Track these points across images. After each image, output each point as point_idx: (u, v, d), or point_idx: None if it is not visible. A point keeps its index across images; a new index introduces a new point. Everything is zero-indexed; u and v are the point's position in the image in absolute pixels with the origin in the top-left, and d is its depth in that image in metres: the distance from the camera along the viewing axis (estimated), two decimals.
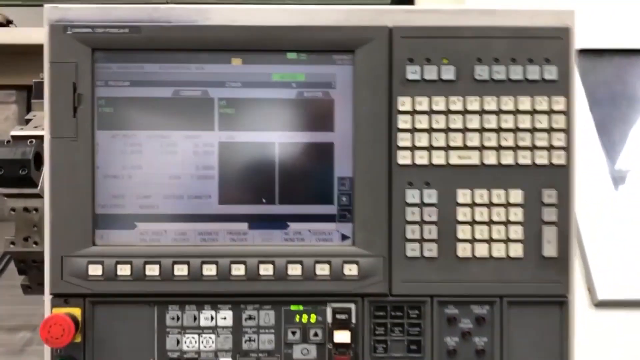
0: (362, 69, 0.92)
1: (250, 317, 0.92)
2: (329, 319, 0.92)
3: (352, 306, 0.92)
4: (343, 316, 0.92)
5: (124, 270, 0.90)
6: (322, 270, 0.91)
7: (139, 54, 0.92)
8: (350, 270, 0.91)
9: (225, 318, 0.92)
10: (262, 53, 0.92)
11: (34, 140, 1.93)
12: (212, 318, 0.92)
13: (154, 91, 0.92)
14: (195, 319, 0.92)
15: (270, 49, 0.92)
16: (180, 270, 0.90)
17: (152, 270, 0.90)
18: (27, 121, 2.02)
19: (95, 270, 0.90)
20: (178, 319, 0.92)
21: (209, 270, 0.90)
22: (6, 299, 2.38)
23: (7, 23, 2.58)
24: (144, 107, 0.93)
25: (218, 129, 0.93)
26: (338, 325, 0.91)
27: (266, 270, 0.91)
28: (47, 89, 0.93)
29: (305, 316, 0.93)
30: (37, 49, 2.70)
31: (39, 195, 1.89)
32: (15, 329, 2.18)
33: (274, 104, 0.93)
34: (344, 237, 0.93)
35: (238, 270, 0.91)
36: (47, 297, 0.94)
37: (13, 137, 1.92)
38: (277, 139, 0.93)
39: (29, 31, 2.55)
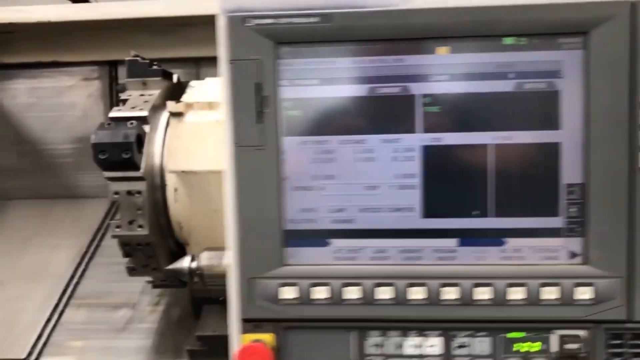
0: (596, 54, 0.83)
1: (462, 345, 0.88)
2: (555, 347, 0.87)
3: (584, 334, 0.86)
4: (573, 345, 0.86)
5: (320, 293, 0.87)
6: (549, 293, 0.85)
7: (330, 46, 0.86)
8: (584, 293, 0.84)
9: (433, 346, 0.88)
10: (472, 39, 0.85)
11: (134, 122, 1.97)
12: (418, 345, 0.89)
13: (347, 89, 0.87)
14: (399, 346, 0.89)
15: (482, 35, 0.85)
16: (383, 293, 0.86)
17: (352, 293, 0.86)
18: (123, 101, 2.06)
19: (288, 293, 0.87)
20: (379, 346, 0.89)
21: (416, 293, 0.86)
22: (103, 277, 2.49)
23: None
24: (336, 108, 0.87)
25: (421, 131, 0.87)
26: (566, 355, 0.86)
27: (482, 294, 0.85)
28: (226, 90, 0.86)
29: (525, 344, 0.88)
30: (116, 24, 2.72)
31: (142, 178, 1.95)
32: (116, 307, 2.28)
33: (488, 98, 0.86)
34: (572, 255, 0.87)
35: (449, 293, 0.86)
36: (235, 321, 0.96)
37: (111, 118, 1.97)
38: (492, 140, 0.86)
39: (108, 6, 2.60)
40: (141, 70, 2.05)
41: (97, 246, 2.58)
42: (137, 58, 2.10)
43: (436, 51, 0.87)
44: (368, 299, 0.88)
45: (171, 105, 1.95)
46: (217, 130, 1.91)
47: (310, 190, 0.90)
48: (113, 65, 2.84)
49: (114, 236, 1.93)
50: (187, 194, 1.90)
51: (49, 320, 2.27)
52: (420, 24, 0.85)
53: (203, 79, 2.41)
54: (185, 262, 1.82)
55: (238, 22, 0.87)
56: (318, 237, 0.90)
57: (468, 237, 0.88)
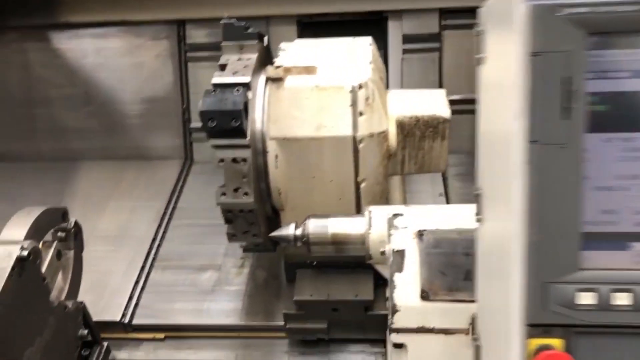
0: None
1: None
2: None
3: None
4: None
5: (621, 299, 0.81)
6: None
7: None
8: None
9: None
10: None
11: (240, 89, 1.85)
12: None
13: None
14: None
15: None
16: None
17: None
18: (222, 66, 1.92)
19: (585, 298, 0.81)
20: None
21: None
22: (184, 239, 2.41)
23: None
24: None
25: None
26: None
27: None
28: (526, 85, 0.75)
29: None
30: None
31: (247, 146, 1.83)
32: (201, 269, 2.22)
33: None
34: None
35: None
36: (519, 326, 0.87)
37: (215, 85, 1.84)
38: None
39: None
40: (237, 34, 1.91)
41: (174, 208, 2.50)
42: (232, 21, 1.96)
43: None
44: None
45: (271, 71, 1.82)
46: (316, 96, 1.79)
47: (612, 191, 0.79)
48: (181, 24, 2.68)
49: (218, 204, 1.83)
50: (286, 161, 1.80)
51: (137, 282, 2.20)
52: None
53: (273, 38, 2.26)
54: (290, 229, 1.74)
55: (546, 11, 0.75)
56: (618, 240, 0.81)
57: None
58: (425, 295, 1.52)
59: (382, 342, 1.93)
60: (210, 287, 2.18)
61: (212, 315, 2.08)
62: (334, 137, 1.72)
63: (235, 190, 1.80)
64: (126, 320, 2.03)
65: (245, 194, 1.79)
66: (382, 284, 1.98)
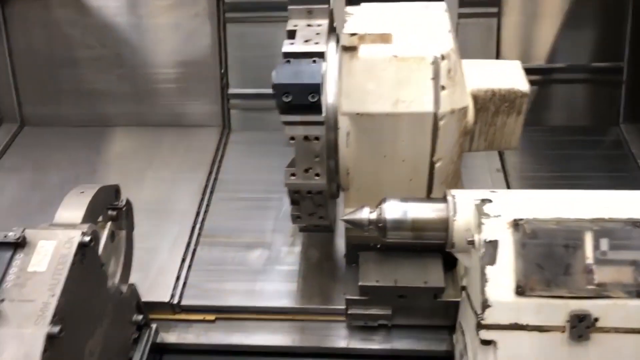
0: None
1: None
2: None
3: None
4: None
5: None
6: None
7: None
8: None
9: None
10: None
11: (316, 59, 1.65)
12: None
13: None
14: None
15: None
16: None
17: None
18: (291, 33, 1.72)
19: None
20: None
21: None
22: (228, 213, 2.26)
23: None
24: None
25: None
26: None
27: None
28: None
29: None
30: None
31: (321, 123, 1.66)
32: (249, 246, 2.09)
33: None
34: None
35: None
36: None
37: (286, 54, 1.64)
38: None
39: None
40: None
41: (215, 180, 2.36)
42: None
43: None
44: None
45: (345, 39, 1.65)
46: (394, 68, 1.62)
47: None
48: None
49: (287, 185, 1.70)
50: (357, 138, 1.65)
51: (183, 260, 2.07)
52: None
53: None
54: (364, 213, 1.61)
55: None
56: None
57: None
58: (520, 291, 1.41)
59: (448, 328, 1.83)
60: (261, 266, 2.05)
61: (266, 297, 1.95)
62: (413, 114, 1.57)
63: (306, 170, 1.64)
64: (175, 300, 1.89)
65: (317, 174, 1.64)
66: (450, 269, 1.87)
